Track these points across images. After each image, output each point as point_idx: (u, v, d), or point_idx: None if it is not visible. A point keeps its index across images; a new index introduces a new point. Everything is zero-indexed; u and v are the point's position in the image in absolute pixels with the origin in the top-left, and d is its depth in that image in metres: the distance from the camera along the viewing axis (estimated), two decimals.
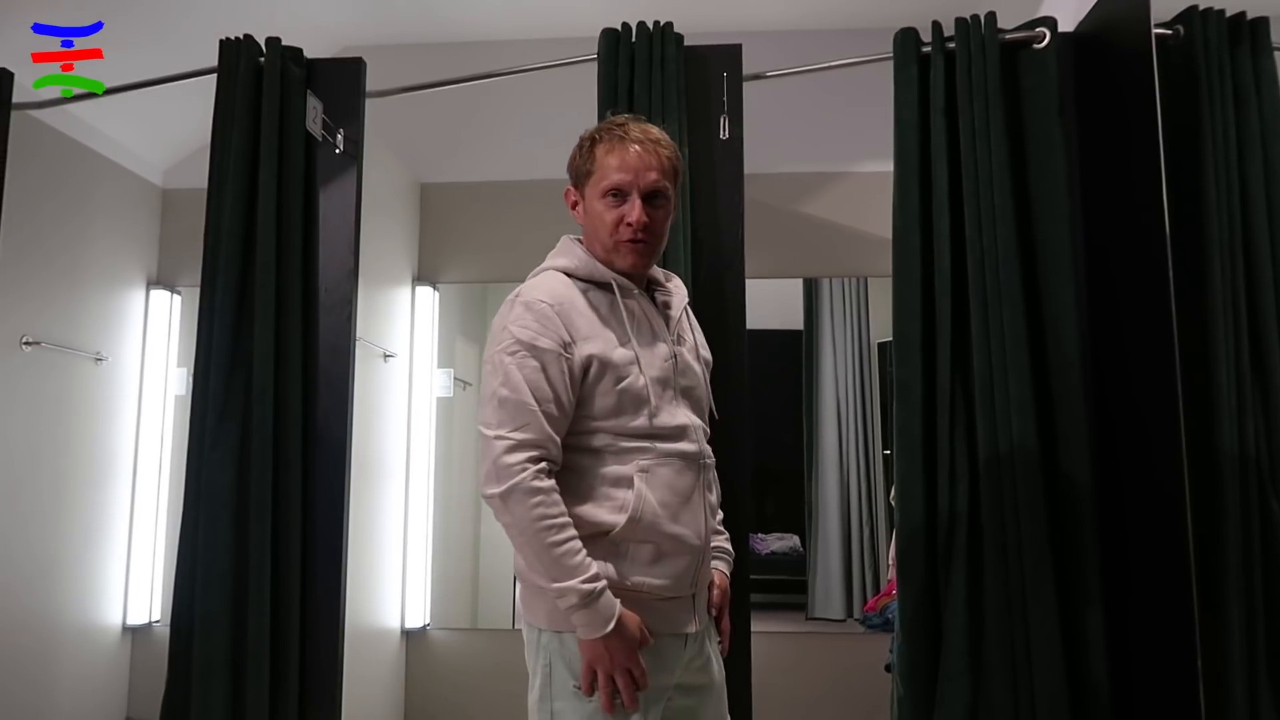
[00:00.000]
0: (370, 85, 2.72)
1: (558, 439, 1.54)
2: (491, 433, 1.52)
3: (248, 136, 2.53)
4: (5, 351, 3.16)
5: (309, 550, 2.47)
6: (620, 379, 1.57)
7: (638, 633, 1.50)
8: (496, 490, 1.49)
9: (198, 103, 2.72)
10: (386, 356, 3.67)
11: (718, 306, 2.50)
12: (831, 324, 4.22)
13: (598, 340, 1.58)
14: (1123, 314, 2.35)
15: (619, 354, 1.58)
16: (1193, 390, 2.20)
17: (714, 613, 1.72)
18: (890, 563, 3.53)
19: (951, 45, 2.48)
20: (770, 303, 3.91)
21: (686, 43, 2.60)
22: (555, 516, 1.48)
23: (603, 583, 1.49)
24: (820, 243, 3.88)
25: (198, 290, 2.54)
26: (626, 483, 1.55)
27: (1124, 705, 2.25)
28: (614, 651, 1.47)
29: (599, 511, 1.54)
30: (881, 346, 4.11)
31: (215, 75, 2.62)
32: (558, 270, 1.66)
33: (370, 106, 2.71)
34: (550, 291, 1.60)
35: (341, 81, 2.68)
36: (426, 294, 4.00)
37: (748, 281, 2.55)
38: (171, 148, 3.96)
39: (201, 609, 2.38)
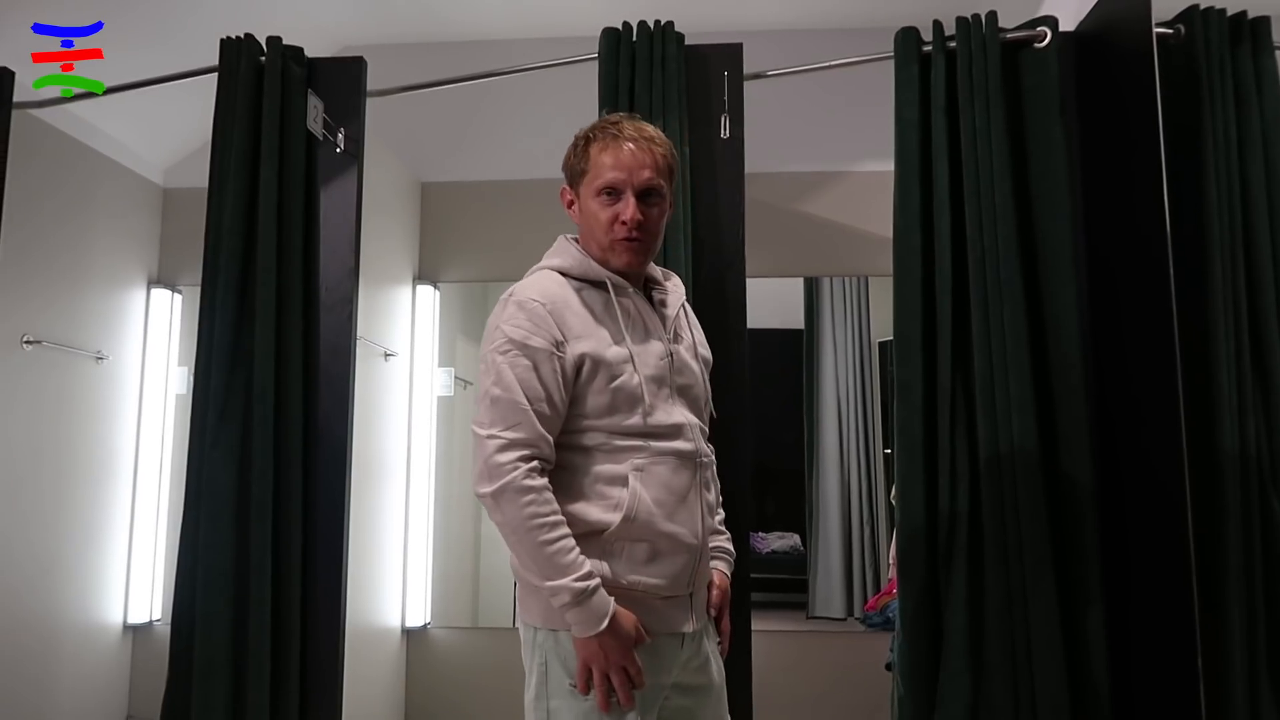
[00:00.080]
0: (371, 84, 2.72)
1: (550, 438, 1.54)
2: (484, 432, 1.52)
3: (248, 136, 2.53)
4: (6, 350, 3.16)
5: (310, 549, 2.47)
6: (614, 377, 1.57)
7: (633, 631, 1.50)
8: (489, 489, 1.49)
9: (198, 102, 2.72)
10: (387, 355, 3.67)
11: (718, 306, 2.50)
12: (832, 323, 4.22)
13: (591, 339, 1.58)
14: (1123, 313, 2.35)
15: (613, 352, 1.58)
16: (1193, 389, 2.20)
17: (713, 613, 1.72)
18: (891, 562, 3.54)
19: (952, 44, 2.48)
20: (771, 302, 3.91)
21: (687, 42, 2.60)
22: (547, 515, 1.48)
23: (596, 580, 1.48)
24: (821, 242, 3.88)
25: (198, 289, 2.54)
26: (621, 481, 1.55)
27: (1124, 705, 2.26)
28: (608, 650, 1.47)
29: (593, 510, 1.54)
30: (882, 345, 4.11)
31: (216, 74, 2.62)
32: (552, 269, 1.66)
33: (371, 106, 2.71)
34: (543, 290, 1.60)
35: (342, 81, 2.68)
36: (427, 293, 4.00)
37: (748, 280, 2.55)
38: (172, 147, 3.96)
39: (202, 608, 2.38)
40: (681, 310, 1.74)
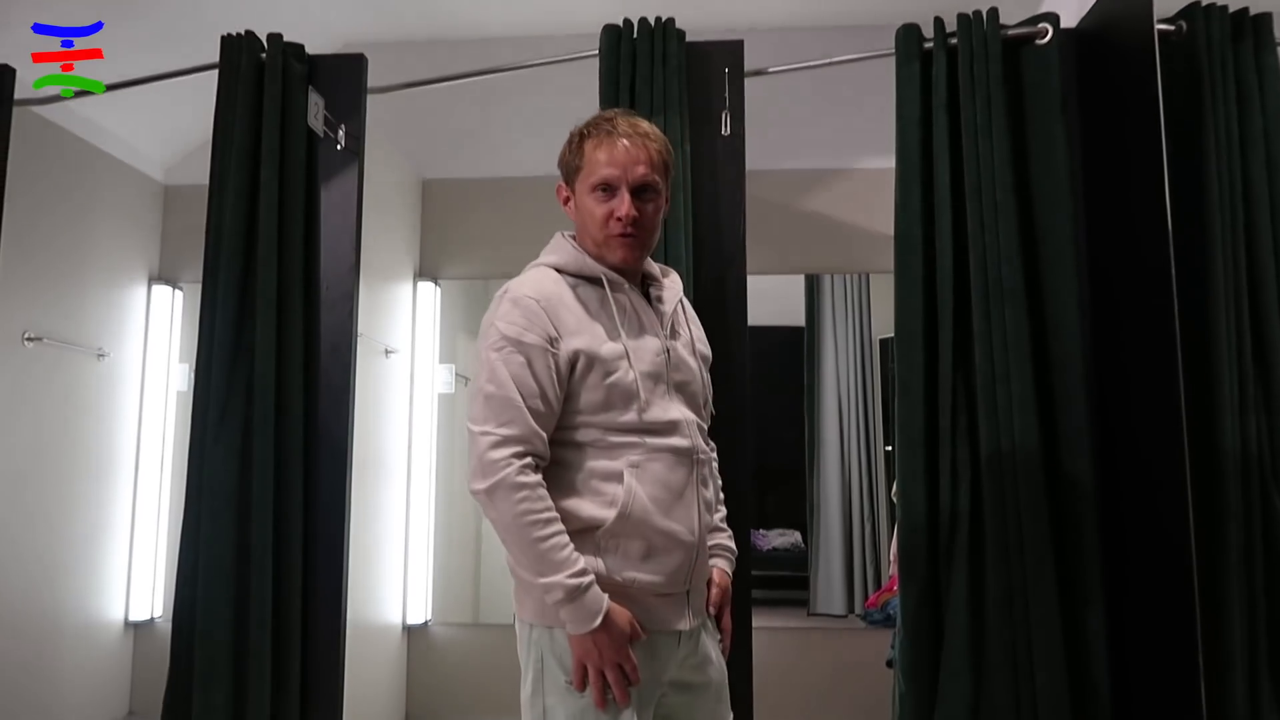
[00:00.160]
0: (372, 81, 2.72)
1: (544, 434, 1.54)
2: (477, 428, 1.52)
3: (249, 133, 2.53)
4: (7, 347, 3.16)
5: (310, 545, 2.47)
6: (609, 373, 1.56)
7: (627, 628, 1.50)
8: (482, 486, 1.49)
9: (200, 99, 2.72)
10: (388, 352, 3.67)
11: (719, 303, 2.50)
12: (833, 320, 4.22)
13: (585, 335, 1.58)
14: (1125, 311, 2.35)
15: (607, 348, 1.57)
16: (1195, 387, 2.20)
17: (713, 611, 1.71)
18: (891, 559, 3.54)
19: (954, 41, 2.47)
20: (772, 299, 3.92)
21: (688, 39, 2.59)
22: (541, 511, 1.48)
23: (590, 577, 1.48)
24: (822, 239, 3.88)
25: (199, 286, 2.54)
26: (616, 478, 1.55)
27: (1124, 703, 2.26)
28: (603, 647, 1.47)
29: (588, 506, 1.54)
30: (883, 343, 4.12)
31: (217, 71, 2.61)
32: (548, 266, 1.66)
33: (372, 103, 2.71)
34: (537, 287, 1.60)
35: (343, 77, 2.68)
36: (428, 289, 4.01)
37: (749, 278, 2.54)
38: (173, 144, 3.96)
39: (203, 604, 2.38)
40: (679, 306, 1.74)
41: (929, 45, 2.49)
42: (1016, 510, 2.28)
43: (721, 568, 1.75)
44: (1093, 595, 2.26)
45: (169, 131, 3.87)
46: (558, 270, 1.65)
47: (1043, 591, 2.24)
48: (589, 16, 2.79)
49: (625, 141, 1.62)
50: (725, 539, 1.78)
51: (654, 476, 1.56)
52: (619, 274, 1.65)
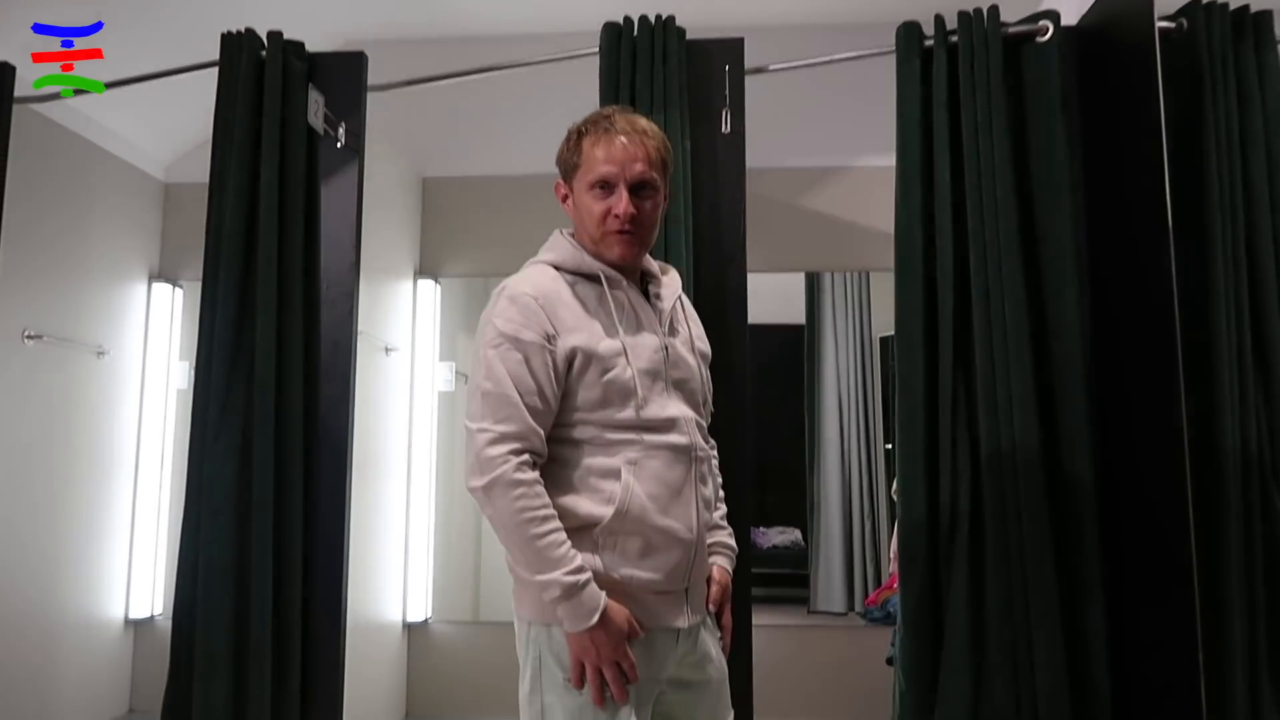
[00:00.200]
0: (372, 79, 2.72)
1: (541, 431, 1.54)
2: (475, 425, 1.52)
3: (249, 130, 2.53)
4: (7, 345, 3.16)
5: (311, 543, 2.47)
6: (606, 370, 1.56)
7: (625, 625, 1.49)
8: (479, 483, 1.49)
9: (200, 97, 2.72)
10: (388, 350, 3.67)
11: (719, 301, 2.50)
12: (833, 318, 4.22)
13: (582, 332, 1.57)
14: (1125, 309, 2.35)
15: (605, 345, 1.57)
16: (1195, 386, 2.20)
17: (713, 608, 1.71)
18: (891, 557, 3.54)
19: (954, 39, 2.47)
20: (772, 297, 3.91)
21: (689, 37, 2.59)
22: (538, 508, 1.48)
23: (587, 575, 1.48)
24: (822, 237, 3.88)
25: (200, 284, 2.54)
26: (614, 475, 1.54)
27: (1124, 701, 2.26)
28: (600, 644, 1.47)
29: (585, 503, 1.54)
30: (883, 341, 4.12)
31: (217, 69, 2.61)
32: (545, 263, 1.66)
33: (372, 100, 2.71)
34: (534, 284, 1.60)
35: (343, 75, 2.68)
36: (428, 287, 4.01)
37: (749, 276, 2.54)
38: (174, 142, 3.96)
39: (203, 602, 2.38)
40: (678, 303, 1.74)
41: (929, 43, 2.49)
42: (1017, 508, 2.28)
43: (722, 565, 1.75)
44: (1093, 593, 2.26)
45: (169, 129, 3.87)
46: (555, 267, 1.65)
47: (1043, 589, 2.24)
48: (589, 14, 2.79)
49: (623, 139, 1.61)
50: (725, 536, 1.78)
51: (652, 474, 1.56)
52: (617, 271, 1.65)
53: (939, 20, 2.49)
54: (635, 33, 2.57)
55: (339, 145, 2.64)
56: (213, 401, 2.45)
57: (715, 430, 1.78)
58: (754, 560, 2.46)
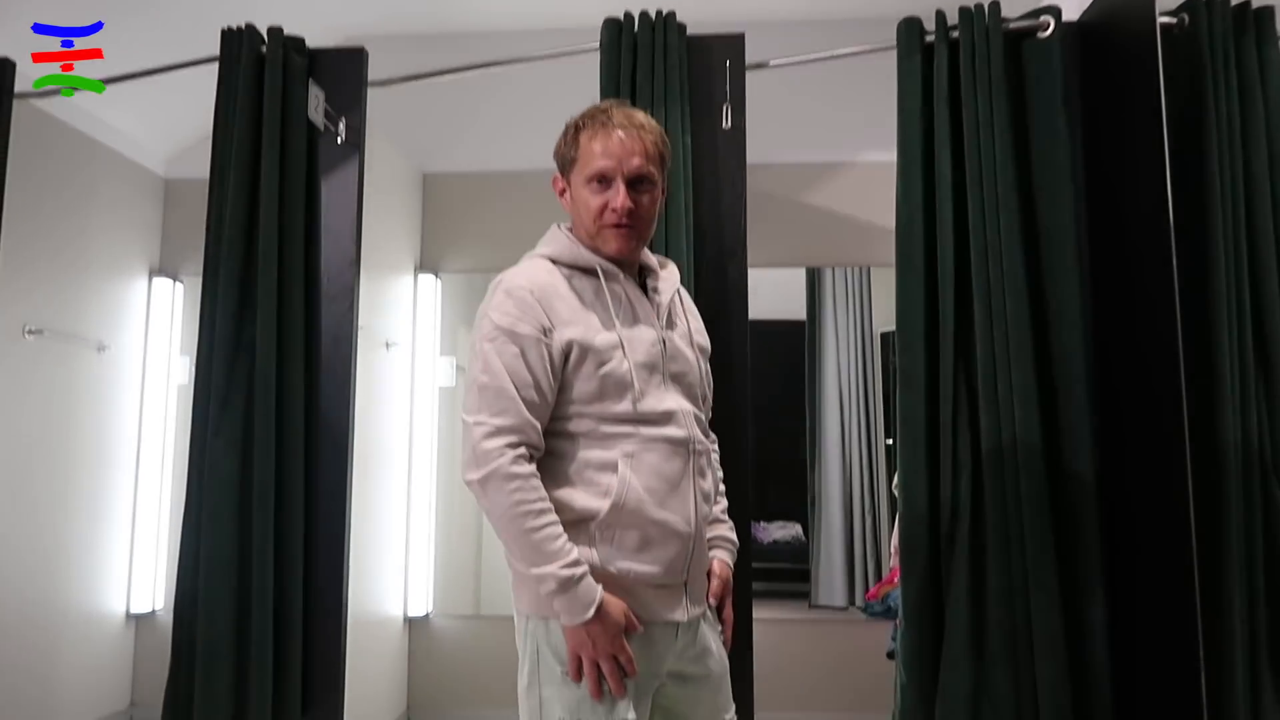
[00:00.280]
0: (372, 75, 2.72)
1: (538, 425, 1.54)
2: (471, 419, 1.53)
3: (250, 126, 2.53)
4: (8, 340, 3.16)
5: (312, 538, 2.47)
6: (602, 363, 1.56)
7: (622, 619, 1.50)
8: (476, 476, 1.49)
9: (200, 93, 2.71)
10: (389, 345, 3.67)
11: (720, 296, 2.50)
12: (834, 314, 4.22)
13: (579, 325, 1.57)
14: (1126, 304, 2.35)
15: (601, 339, 1.57)
16: (1196, 380, 2.20)
17: (714, 602, 1.71)
18: (892, 551, 3.54)
19: (955, 34, 2.47)
20: (773, 292, 3.91)
21: (689, 32, 2.59)
22: (534, 502, 1.48)
23: (583, 568, 1.48)
24: (823, 232, 3.87)
25: (200, 279, 2.54)
26: (611, 468, 1.55)
27: (1125, 694, 2.26)
28: (597, 638, 1.47)
29: (581, 497, 1.54)
30: (884, 336, 4.11)
31: (217, 65, 2.61)
32: (542, 257, 1.66)
33: (372, 96, 2.71)
34: (530, 278, 1.60)
35: (343, 71, 2.68)
36: (429, 282, 4.00)
37: (750, 271, 2.54)
38: (174, 137, 3.96)
39: (205, 596, 2.39)
40: (676, 296, 1.74)
41: (930, 39, 2.49)
42: (1018, 502, 2.28)
43: (722, 559, 1.75)
44: (1093, 587, 2.26)
45: (169, 125, 3.87)
46: (552, 261, 1.65)
47: (1043, 583, 2.24)
48: (590, 10, 2.78)
49: (620, 133, 1.62)
50: (726, 530, 1.78)
51: (649, 467, 1.56)
52: (614, 264, 1.65)
53: (940, 16, 2.49)
54: (636, 28, 2.57)
55: (339, 141, 2.64)
56: (213, 396, 2.45)
57: (715, 425, 1.78)
58: (755, 555, 2.46)
